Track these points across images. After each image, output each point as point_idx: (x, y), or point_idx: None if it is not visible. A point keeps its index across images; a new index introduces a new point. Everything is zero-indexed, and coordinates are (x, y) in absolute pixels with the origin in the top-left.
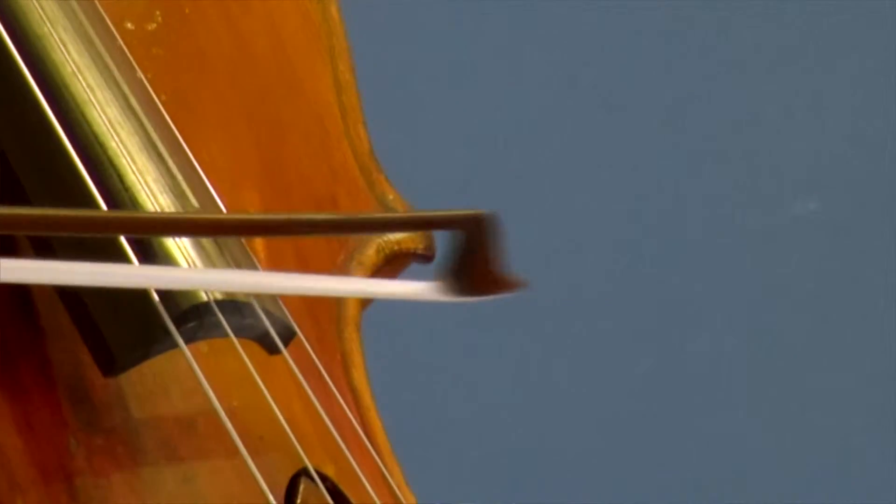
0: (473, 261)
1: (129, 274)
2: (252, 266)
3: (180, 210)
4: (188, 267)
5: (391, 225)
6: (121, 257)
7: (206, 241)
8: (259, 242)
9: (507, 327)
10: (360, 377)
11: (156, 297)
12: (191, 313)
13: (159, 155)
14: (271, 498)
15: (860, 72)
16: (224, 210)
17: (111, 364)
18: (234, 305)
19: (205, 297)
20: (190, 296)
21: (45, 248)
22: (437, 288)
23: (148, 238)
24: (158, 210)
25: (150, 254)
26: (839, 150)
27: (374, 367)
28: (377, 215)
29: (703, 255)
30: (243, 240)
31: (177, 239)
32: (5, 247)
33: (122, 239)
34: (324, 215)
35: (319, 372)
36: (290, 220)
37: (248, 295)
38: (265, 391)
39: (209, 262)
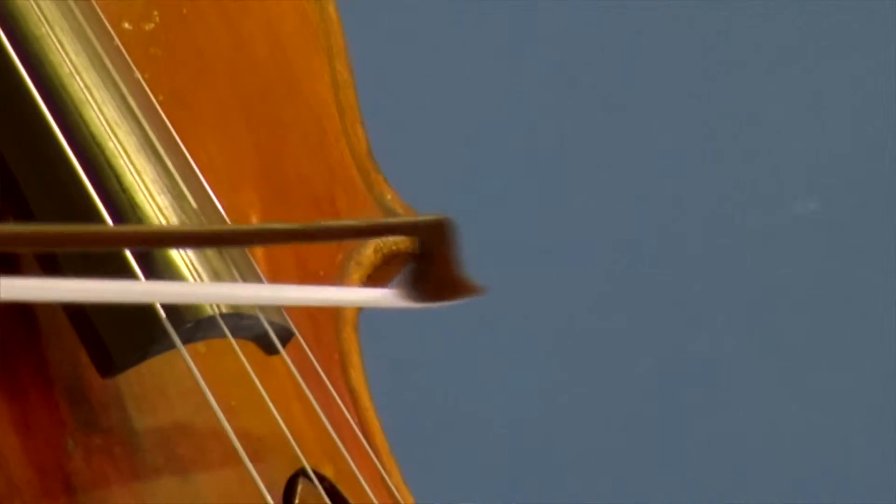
0: (432, 266)
1: (133, 290)
2: (250, 268)
3: (179, 210)
4: (185, 269)
5: (347, 232)
6: (122, 262)
7: None
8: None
9: (506, 327)
10: (358, 377)
11: (160, 307)
12: (194, 323)
13: (157, 155)
14: (269, 498)
15: (860, 72)
16: (222, 210)
17: (109, 365)
18: (237, 315)
19: (210, 311)
20: (195, 309)
21: (48, 258)
22: (396, 294)
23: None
24: (157, 210)
25: (150, 257)
26: (839, 150)
27: (372, 367)
28: (332, 223)
29: (703, 255)
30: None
31: None
32: (9, 260)
33: None
34: (280, 225)
35: (317, 372)
36: (236, 232)
37: (252, 307)
38: (263, 392)
39: (208, 263)
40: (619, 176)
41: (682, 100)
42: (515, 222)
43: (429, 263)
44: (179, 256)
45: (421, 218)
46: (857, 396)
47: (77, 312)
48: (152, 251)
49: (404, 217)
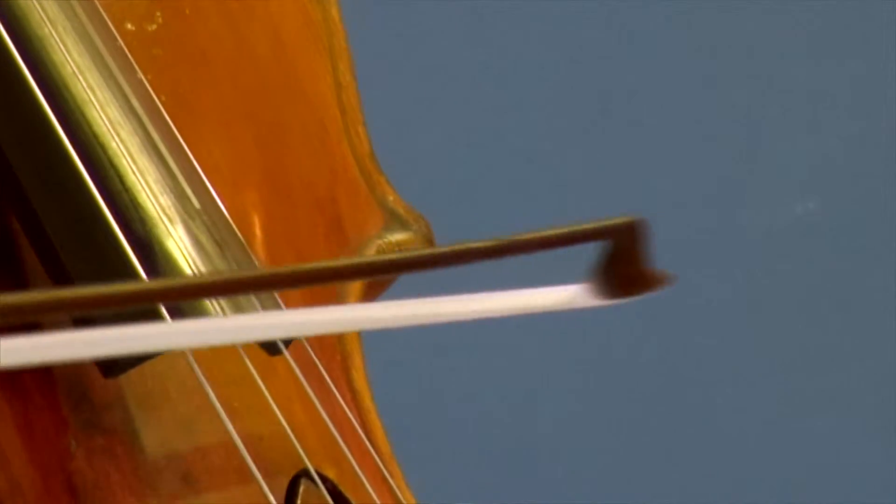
0: (623, 264)
1: (160, 334)
2: (252, 265)
3: (182, 211)
4: (218, 314)
5: (539, 244)
6: (126, 263)
7: (207, 242)
8: (259, 243)
9: (506, 326)
10: (360, 379)
11: (163, 308)
12: None
13: (160, 155)
14: (272, 499)
15: (860, 72)
16: (225, 211)
17: (111, 365)
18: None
19: (213, 312)
20: (198, 309)
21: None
22: (586, 292)
23: (149, 240)
24: (160, 211)
25: (153, 256)
26: (839, 150)
27: (374, 368)
28: (525, 237)
29: (702, 255)
30: (245, 243)
31: (178, 239)
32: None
33: (124, 241)
34: (475, 244)
35: (319, 373)
36: (424, 256)
37: (251, 302)
38: (266, 392)
39: (209, 261)
40: (619, 175)
41: (682, 100)
42: (516, 222)
43: (621, 264)
44: (182, 256)
45: (614, 222)
46: (858, 396)
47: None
48: (155, 249)
49: (597, 223)
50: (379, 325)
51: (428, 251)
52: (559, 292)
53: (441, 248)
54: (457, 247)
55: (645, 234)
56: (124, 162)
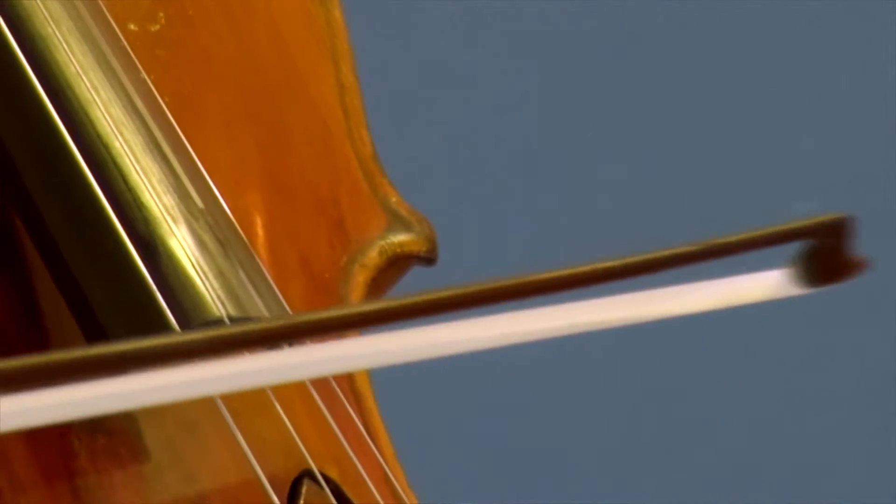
0: (830, 260)
1: (192, 381)
2: (258, 270)
3: (185, 211)
4: (192, 269)
5: (746, 245)
6: (129, 262)
7: (210, 242)
8: (261, 243)
9: None
10: (361, 379)
11: (165, 306)
12: (202, 325)
13: (163, 155)
14: (275, 499)
15: (860, 72)
16: (228, 211)
17: None
18: (246, 318)
19: (217, 313)
20: (202, 311)
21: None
22: (788, 280)
23: (153, 240)
24: (163, 210)
25: (156, 256)
26: (839, 150)
27: (376, 369)
28: (731, 238)
29: None
30: (248, 242)
31: (181, 239)
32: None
33: (127, 240)
34: (680, 249)
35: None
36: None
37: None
38: (269, 393)
39: (212, 261)
40: (619, 175)
41: (682, 99)
42: (516, 224)
43: (826, 257)
44: (185, 256)
45: (822, 220)
46: (857, 396)
47: (84, 312)
48: (158, 249)
49: (806, 221)
50: (528, 337)
51: (621, 260)
52: (762, 282)
53: (642, 255)
54: (661, 253)
55: (851, 230)
56: (128, 161)
